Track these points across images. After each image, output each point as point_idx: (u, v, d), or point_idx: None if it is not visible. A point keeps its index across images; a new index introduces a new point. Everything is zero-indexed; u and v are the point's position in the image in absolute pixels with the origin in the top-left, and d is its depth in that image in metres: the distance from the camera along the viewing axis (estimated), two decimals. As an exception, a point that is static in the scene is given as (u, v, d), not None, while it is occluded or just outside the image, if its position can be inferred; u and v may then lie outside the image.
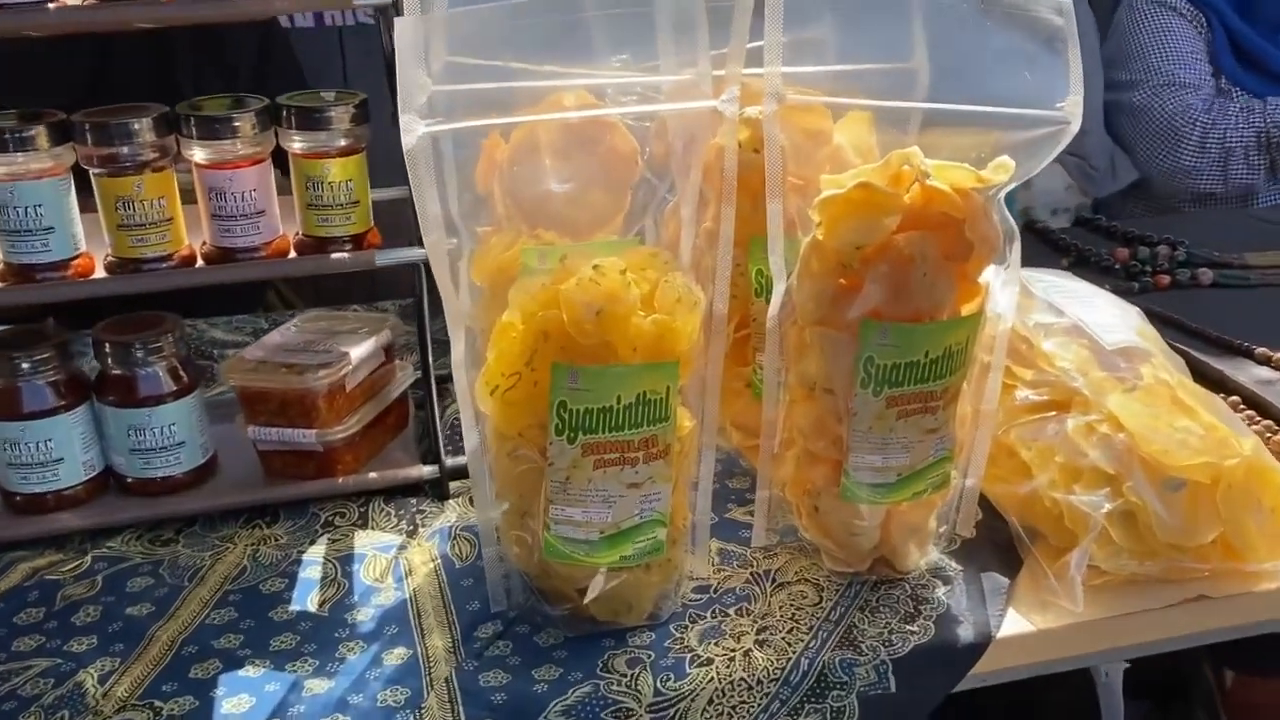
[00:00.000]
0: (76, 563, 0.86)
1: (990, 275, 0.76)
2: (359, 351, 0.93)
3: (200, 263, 0.89)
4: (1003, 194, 0.74)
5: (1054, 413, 0.83)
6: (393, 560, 0.85)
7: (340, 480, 0.91)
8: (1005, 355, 0.81)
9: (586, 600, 0.74)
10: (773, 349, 0.77)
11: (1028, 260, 0.82)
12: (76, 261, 0.86)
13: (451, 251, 0.76)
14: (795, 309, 0.75)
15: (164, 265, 0.88)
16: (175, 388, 0.91)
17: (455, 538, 0.87)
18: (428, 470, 0.93)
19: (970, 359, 0.76)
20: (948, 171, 0.71)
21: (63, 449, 0.89)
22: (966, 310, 0.75)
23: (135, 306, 0.93)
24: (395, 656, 0.74)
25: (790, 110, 0.77)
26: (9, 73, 1.36)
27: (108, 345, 0.90)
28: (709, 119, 0.73)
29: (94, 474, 0.92)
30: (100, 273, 0.87)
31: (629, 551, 0.73)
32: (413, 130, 0.67)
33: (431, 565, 0.84)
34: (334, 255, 0.86)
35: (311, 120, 0.87)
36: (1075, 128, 0.72)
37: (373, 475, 0.92)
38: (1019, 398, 0.86)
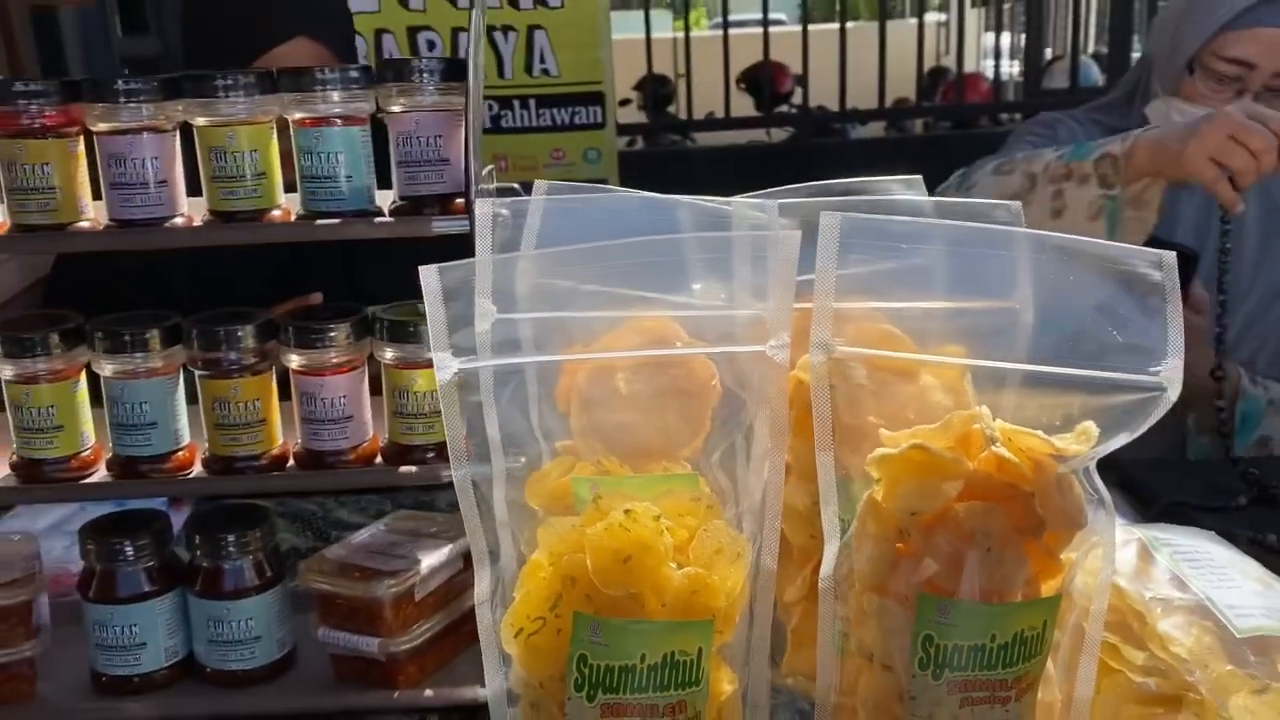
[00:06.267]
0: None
1: (1075, 551, 0.67)
2: (431, 560, 0.92)
3: (291, 464, 0.91)
4: (1090, 463, 0.66)
5: (1161, 710, 0.72)
6: (426, 799, 0.81)
7: (395, 695, 0.89)
8: (1114, 634, 0.72)
9: None
10: (826, 615, 0.70)
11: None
12: (177, 455, 0.90)
13: (513, 470, 0.75)
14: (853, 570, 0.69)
15: (254, 465, 0.90)
16: (258, 582, 0.92)
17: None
18: (484, 691, 0.89)
19: (1049, 644, 0.67)
20: (1020, 438, 0.64)
21: (147, 634, 0.92)
22: (1047, 590, 0.67)
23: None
24: None
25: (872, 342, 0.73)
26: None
27: (198, 536, 0.92)
28: (761, 363, 0.69)
29: (175, 660, 0.94)
30: (198, 468, 0.91)
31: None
32: (446, 367, 0.66)
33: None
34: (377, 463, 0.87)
35: (403, 333, 0.88)
36: (1173, 395, 0.64)
37: (428, 693, 0.89)
38: (1134, 683, 0.75)
